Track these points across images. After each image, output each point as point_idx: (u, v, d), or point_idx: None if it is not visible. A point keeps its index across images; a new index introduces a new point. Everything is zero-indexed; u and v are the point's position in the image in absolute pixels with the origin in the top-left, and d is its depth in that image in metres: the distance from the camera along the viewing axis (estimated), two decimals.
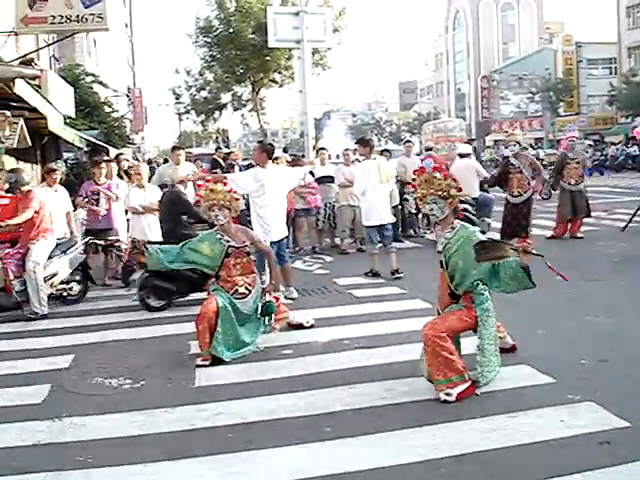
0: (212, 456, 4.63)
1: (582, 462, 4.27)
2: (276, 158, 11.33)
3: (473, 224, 13.94)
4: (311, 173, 14.14)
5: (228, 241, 7.19)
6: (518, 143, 13.03)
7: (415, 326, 7.57)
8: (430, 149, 18.54)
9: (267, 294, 7.30)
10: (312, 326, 7.77)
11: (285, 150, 31.53)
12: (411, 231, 15.68)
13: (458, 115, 68.25)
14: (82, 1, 14.34)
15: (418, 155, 19.77)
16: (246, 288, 7.19)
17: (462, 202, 16.20)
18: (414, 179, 5.98)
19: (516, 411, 5.12)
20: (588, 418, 4.93)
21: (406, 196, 15.23)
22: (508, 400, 5.38)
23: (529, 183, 12.93)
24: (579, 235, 14.13)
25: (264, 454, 4.64)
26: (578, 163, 14.34)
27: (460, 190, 5.83)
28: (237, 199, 7.54)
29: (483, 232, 6.28)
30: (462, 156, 14.75)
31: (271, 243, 8.74)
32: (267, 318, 7.26)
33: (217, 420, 5.27)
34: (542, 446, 4.56)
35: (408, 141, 17.00)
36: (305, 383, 5.97)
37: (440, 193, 5.73)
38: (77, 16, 14.40)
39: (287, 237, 9.98)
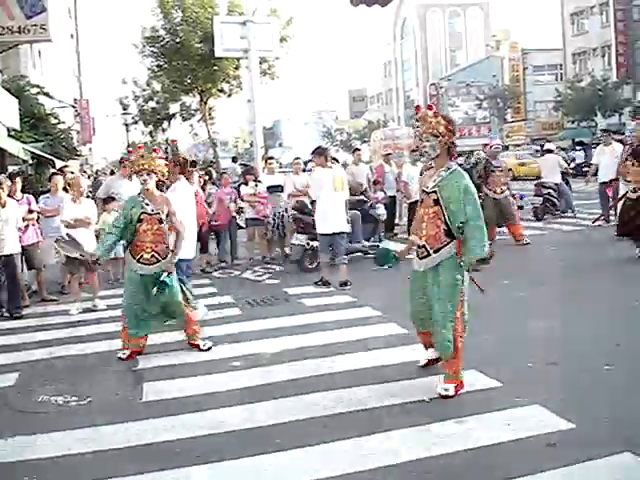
0: (160, 472, 4.57)
1: (529, 465, 4.32)
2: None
3: (554, 205, 14.63)
4: (260, 182, 14.11)
5: (147, 204, 7.33)
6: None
7: (364, 334, 7.63)
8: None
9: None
10: (209, 348, 7.47)
11: (234, 160, 31.47)
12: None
13: (407, 122, 68.77)
14: (24, 12, 14.18)
15: (368, 163, 19.87)
16: (153, 256, 7.32)
17: (545, 187, 17.20)
18: (416, 119, 5.87)
19: (464, 416, 5.15)
20: (535, 421, 4.99)
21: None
22: (456, 405, 5.42)
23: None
24: (526, 241, 14.15)
25: (212, 468, 4.59)
26: (502, 171, 14.46)
27: (447, 127, 5.70)
28: (166, 165, 7.65)
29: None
30: (549, 151, 18.38)
31: (180, 261, 8.15)
32: (173, 320, 7.58)
33: (165, 435, 5.19)
34: (490, 450, 4.60)
35: (357, 149, 17.06)
36: (253, 394, 5.93)
37: (431, 131, 5.67)
38: (19, 27, 14.24)
39: (195, 257, 9.68)
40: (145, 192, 7.37)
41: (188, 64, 33.00)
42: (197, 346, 7.49)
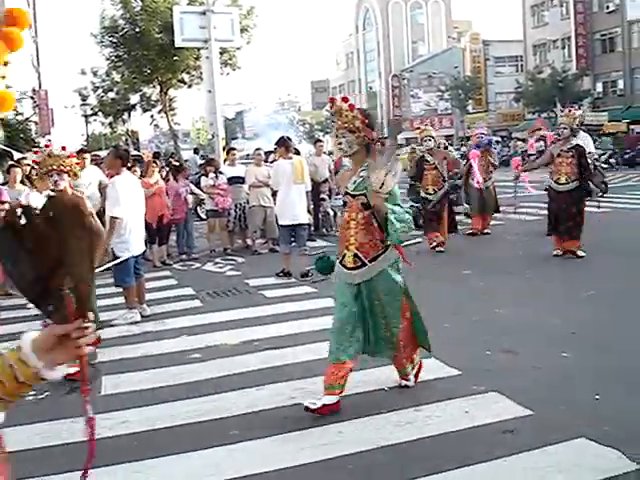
0: (118, 465, 4.52)
1: (487, 451, 4.36)
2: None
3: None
4: (221, 173, 14.05)
5: None
6: (433, 138, 12.65)
7: (326, 325, 7.61)
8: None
9: None
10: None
11: (196, 151, 31.27)
12: (324, 230, 15.74)
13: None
14: None
15: (330, 154, 19.83)
16: None
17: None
18: (332, 113, 5.45)
19: (423, 404, 5.19)
20: (492, 408, 5.04)
21: (322, 195, 15.34)
22: (416, 393, 5.46)
23: (444, 180, 12.61)
24: (486, 231, 14.31)
25: (169, 460, 4.56)
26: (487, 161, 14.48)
27: (363, 122, 5.22)
28: (78, 163, 7.42)
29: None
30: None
31: (128, 258, 8.27)
32: None
33: (123, 428, 5.15)
34: (448, 437, 4.64)
35: (319, 140, 17.03)
36: (213, 386, 5.91)
37: (347, 125, 5.22)
38: None
39: (145, 251, 9.56)
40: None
41: (148, 54, 32.69)
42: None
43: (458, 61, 65.69)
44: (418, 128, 13.35)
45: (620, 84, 50.69)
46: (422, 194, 12.82)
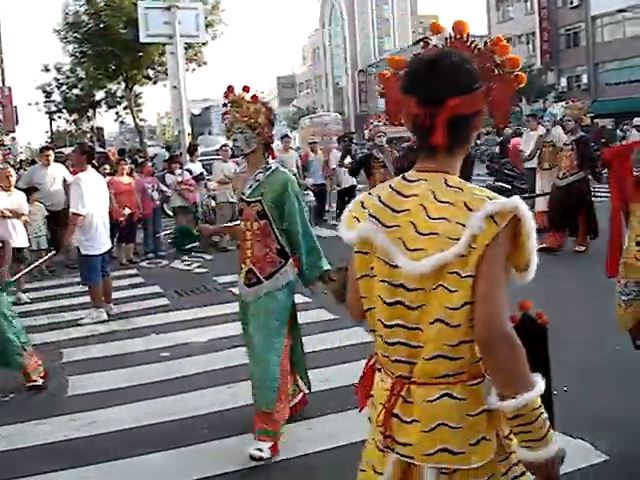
0: (86, 466, 4.49)
1: None
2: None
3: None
4: (188, 171, 13.95)
5: None
6: (385, 135, 11.98)
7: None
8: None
9: None
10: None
11: (168, 148, 31.07)
12: None
13: (337, 109, 68.98)
14: None
15: (298, 150, 19.84)
16: None
17: None
18: (229, 102, 4.67)
19: None
20: None
21: None
22: None
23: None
24: None
25: (139, 460, 4.53)
26: None
27: (268, 116, 4.58)
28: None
29: None
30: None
31: (94, 256, 8.23)
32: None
33: (90, 429, 5.10)
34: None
35: (286, 136, 16.99)
36: (183, 385, 5.87)
37: (247, 119, 4.48)
38: None
39: (111, 249, 9.42)
40: None
41: (112, 50, 32.45)
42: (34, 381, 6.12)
43: None
44: (371, 123, 12.81)
45: (584, 79, 51.22)
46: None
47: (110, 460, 4.55)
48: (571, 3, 50.45)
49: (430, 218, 1.94)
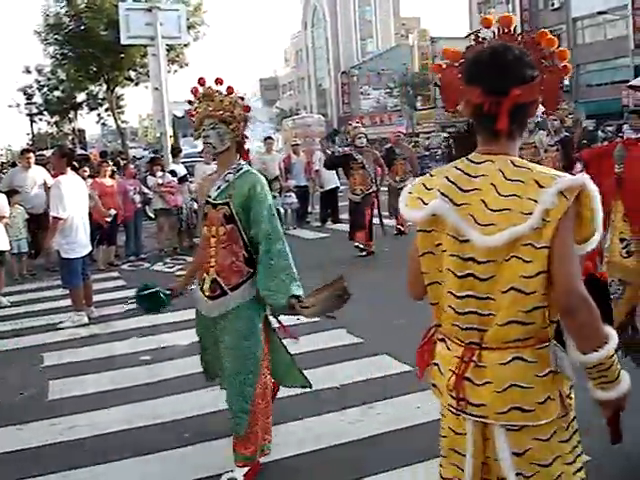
0: (67, 471, 4.46)
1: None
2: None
3: None
4: (172, 172, 13.92)
5: None
6: (365, 136, 12.00)
7: (276, 323, 7.58)
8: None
9: None
10: None
11: (156, 151, 30.94)
12: None
13: (320, 111, 69.02)
14: None
15: (280, 151, 19.83)
16: None
17: None
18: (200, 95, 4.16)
19: (375, 401, 5.20)
20: None
21: (273, 193, 15.26)
22: (367, 390, 5.46)
23: (372, 180, 11.85)
24: (402, 229, 13.48)
25: (121, 465, 4.50)
26: (405, 159, 14.01)
27: (247, 110, 4.17)
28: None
29: None
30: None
31: (74, 259, 8.21)
32: None
33: (71, 433, 5.07)
34: (401, 433, 4.66)
35: (269, 137, 16.98)
36: (165, 388, 5.84)
37: (221, 113, 4.01)
38: None
39: (91, 252, 9.33)
40: None
41: (93, 52, 32.32)
42: None
43: (406, 58, 66.10)
44: (350, 124, 12.54)
45: (566, 80, 51.51)
46: (349, 195, 12.15)
47: (92, 465, 4.52)
48: (552, 5, 50.75)
49: (501, 195, 2.13)
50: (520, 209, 2.09)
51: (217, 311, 4.06)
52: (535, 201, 2.08)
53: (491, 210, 2.14)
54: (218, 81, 4.15)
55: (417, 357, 2.53)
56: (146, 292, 4.62)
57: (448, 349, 2.32)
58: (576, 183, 2.10)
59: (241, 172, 4.07)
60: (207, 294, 4.07)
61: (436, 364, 2.37)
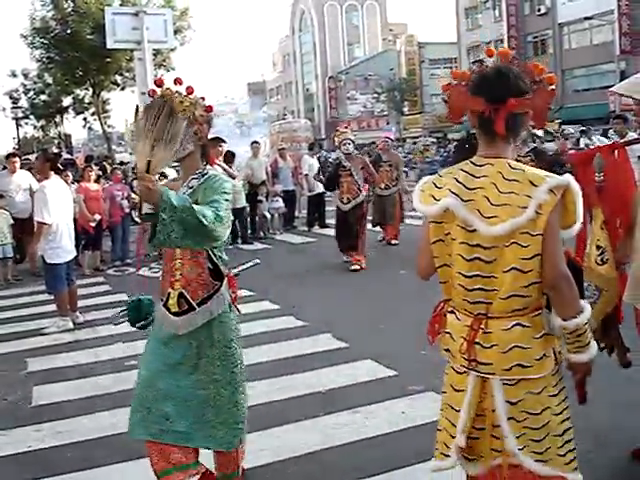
0: (51, 477, 4.43)
1: (424, 451, 4.35)
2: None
3: None
4: (164, 175, 13.84)
5: None
6: (352, 142, 11.44)
7: (262, 328, 7.60)
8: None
9: None
10: None
11: None
12: (261, 233, 15.71)
13: (307, 115, 69.08)
14: None
15: (267, 156, 19.80)
16: None
17: None
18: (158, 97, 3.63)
19: (360, 406, 5.19)
20: (429, 407, 5.03)
21: (260, 197, 15.29)
22: (352, 395, 5.46)
23: (359, 188, 11.28)
24: (393, 242, 13.31)
25: (105, 471, 4.47)
26: (391, 166, 13.41)
27: (209, 110, 3.80)
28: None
29: None
30: None
31: (59, 265, 8.20)
32: None
33: (56, 439, 5.03)
34: (386, 438, 4.65)
35: (255, 142, 16.95)
36: None
37: (181, 115, 3.60)
38: None
39: (76, 257, 9.33)
40: None
41: (80, 56, 32.31)
42: None
43: (394, 63, 66.26)
44: (337, 130, 11.98)
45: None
46: (336, 202, 11.64)
47: (76, 470, 4.49)
48: (539, 11, 51.00)
49: (501, 192, 2.57)
50: (517, 204, 2.53)
51: (185, 328, 3.68)
52: (529, 197, 2.52)
53: (493, 205, 2.57)
54: (177, 81, 3.81)
55: (429, 327, 2.92)
56: (131, 304, 4.32)
57: (458, 319, 2.76)
58: (562, 182, 2.56)
59: (206, 177, 3.71)
60: (173, 310, 3.71)
61: (448, 332, 2.81)
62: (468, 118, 2.80)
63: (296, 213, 17.62)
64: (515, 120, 2.66)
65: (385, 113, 67.49)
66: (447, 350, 2.83)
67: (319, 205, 16.57)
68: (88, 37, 31.02)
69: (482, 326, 2.67)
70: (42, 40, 33.50)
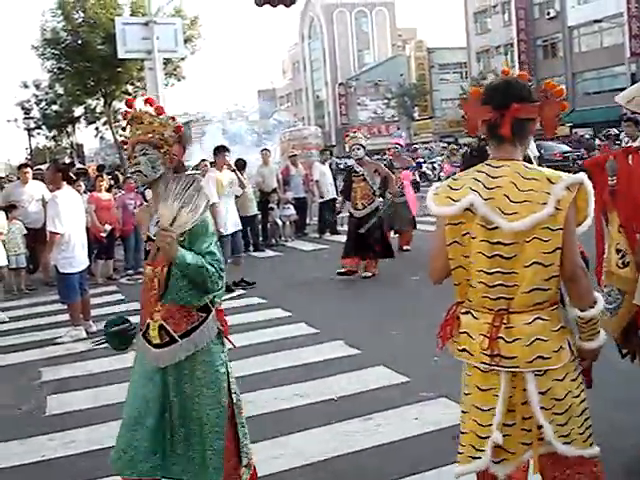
0: None
1: (437, 458, 4.35)
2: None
3: None
4: None
5: None
6: (363, 147, 11.10)
7: (274, 336, 7.61)
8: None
9: None
10: None
11: None
12: (273, 240, 15.74)
13: (318, 122, 69.15)
14: None
15: (277, 164, 19.84)
16: None
17: None
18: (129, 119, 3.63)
19: (373, 412, 5.18)
20: (441, 414, 5.05)
21: (271, 205, 15.32)
22: (365, 402, 5.44)
23: (374, 193, 11.04)
24: (405, 248, 13.19)
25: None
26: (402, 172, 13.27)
27: (179, 130, 3.63)
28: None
29: None
30: None
31: (72, 274, 8.24)
32: None
33: (70, 449, 5.05)
34: (398, 445, 4.64)
35: (265, 149, 16.99)
36: None
37: (150, 137, 3.53)
38: None
39: (89, 266, 9.35)
40: None
41: (91, 66, 32.51)
42: None
43: (403, 69, 66.28)
44: (347, 135, 11.54)
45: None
46: (349, 210, 11.37)
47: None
48: (548, 14, 50.92)
49: (520, 190, 2.70)
50: (537, 200, 2.66)
51: (167, 361, 3.50)
52: (548, 193, 2.66)
53: (513, 202, 2.69)
54: (148, 101, 3.74)
55: (441, 331, 2.99)
56: (115, 329, 4.05)
57: (475, 318, 2.83)
58: (577, 180, 2.72)
59: None
60: (154, 342, 3.52)
61: (464, 332, 2.87)
62: (480, 127, 2.93)
63: (307, 220, 17.64)
64: (521, 125, 2.80)
65: (395, 119, 67.49)
66: (463, 350, 2.89)
67: (330, 212, 16.57)
68: (99, 47, 31.22)
69: (504, 321, 2.75)
70: (53, 51, 33.70)
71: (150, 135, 3.52)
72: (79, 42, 32.30)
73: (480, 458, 2.82)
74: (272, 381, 6.06)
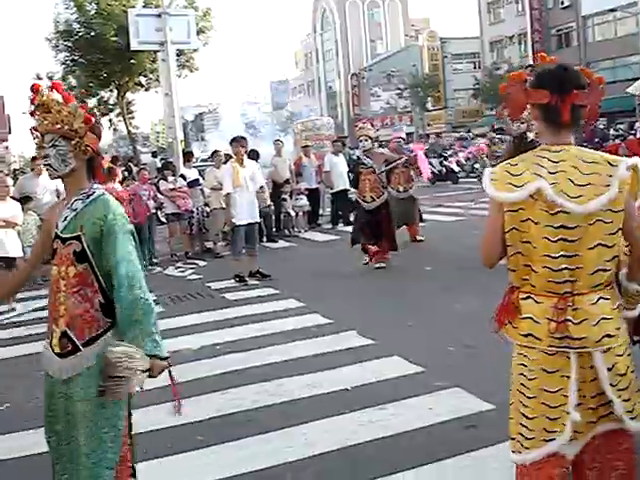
0: None
1: (452, 447, 4.37)
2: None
3: None
4: (182, 176, 13.96)
5: None
6: (370, 138, 11.04)
7: (288, 326, 7.64)
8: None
9: None
10: None
11: (154, 155, 31.00)
12: (286, 231, 15.75)
13: (330, 113, 68.98)
14: None
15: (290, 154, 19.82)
16: None
17: None
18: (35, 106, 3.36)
19: (387, 402, 5.19)
20: (455, 404, 5.07)
21: (284, 195, 15.32)
22: (379, 392, 5.45)
23: (384, 186, 11.02)
24: (419, 238, 13.14)
25: None
26: (407, 167, 13.07)
27: (89, 120, 3.30)
28: None
29: None
30: None
31: None
32: None
33: None
34: (413, 434, 4.65)
35: (278, 140, 16.98)
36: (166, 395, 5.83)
37: (59, 127, 3.25)
38: None
39: None
40: None
41: (104, 58, 32.51)
42: None
43: (416, 59, 65.95)
44: (356, 126, 11.80)
45: None
46: (359, 200, 11.20)
47: None
48: (562, 4, 50.51)
49: (583, 174, 2.75)
50: (601, 183, 2.72)
51: (68, 372, 3.23)
52: (611, 176, 2.73)
53: (578, 185, 2.73)
54: (54, 87, 3.37)
55: (498, 316, 3.03)
56: None
57: (537, 302, 2.86)
58: (634, 162, 2.80)
59: (92, 198, 3.28)
60: (56, 350, 3.29)
61: (528, 317, 2.88)
62: (530, 111, 2.97)
63: (320, 211, 17.63)
64: (577, 111, 2.85)
65: (408, 109, 67.24)
66: (528, 335, 2.90)
67: (343, 202, 16.51)
68: (112, 39, 31.19)
69: (569, 303, 2.80)
70: (66, 43, 33.74)
71: (59, 126, 3.24)
72: (92, 34, 32.30)
73: (554, 440, 2.85)
74: (286, 371, 6.07)
